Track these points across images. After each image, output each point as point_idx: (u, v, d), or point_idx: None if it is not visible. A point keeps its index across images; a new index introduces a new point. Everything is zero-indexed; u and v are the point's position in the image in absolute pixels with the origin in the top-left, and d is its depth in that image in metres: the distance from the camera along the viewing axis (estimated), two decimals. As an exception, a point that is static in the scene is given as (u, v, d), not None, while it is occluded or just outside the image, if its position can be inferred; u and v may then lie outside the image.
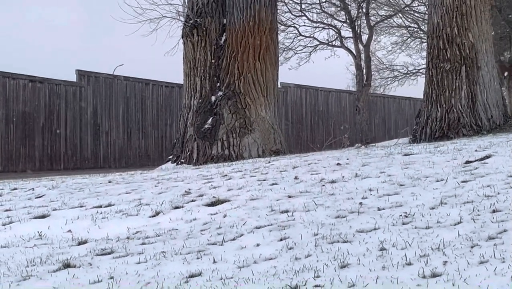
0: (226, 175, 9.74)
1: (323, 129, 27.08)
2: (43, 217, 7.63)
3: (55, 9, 65.25)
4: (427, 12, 21.74)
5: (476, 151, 9.46)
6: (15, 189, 10.44)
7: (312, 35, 28.16)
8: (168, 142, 22.20)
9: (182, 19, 16.98)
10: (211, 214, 7.02)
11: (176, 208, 7.49)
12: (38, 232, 6.88)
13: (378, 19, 28.36)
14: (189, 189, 8.55)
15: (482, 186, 6.81)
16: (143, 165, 19.63)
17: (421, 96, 16.67)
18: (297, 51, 28.28)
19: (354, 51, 26.98)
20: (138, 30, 17.85)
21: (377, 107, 29.58)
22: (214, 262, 5.27)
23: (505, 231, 5.17)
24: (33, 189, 10.12)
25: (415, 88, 32.33)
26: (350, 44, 27.58)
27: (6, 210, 8.30)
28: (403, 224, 5.77)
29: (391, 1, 27.93)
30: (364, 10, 27.04)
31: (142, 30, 18.45)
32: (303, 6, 27.38)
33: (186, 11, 16.77)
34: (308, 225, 6.07)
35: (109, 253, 5.88)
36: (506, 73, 28.02)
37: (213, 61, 16.25)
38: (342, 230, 5.79)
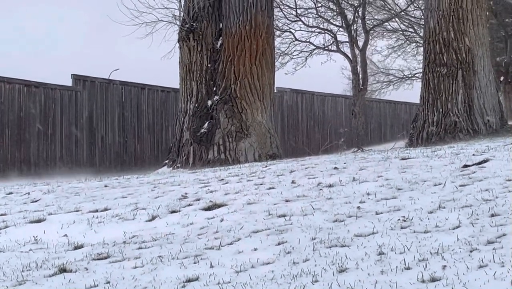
0: (223, 179, 9.71)
1: (319, 134, 27.06)
2: (39, 221, 7.60)
3: (53, 12, 65.16)
4: (423, 17, 21.76)
5: (473, 155, 9.45)
6: (10, 193, 10.39)
7: (308, 40, 28.15)
8: (164, 146, 22.13)
9: (178, 23, 16.96)
10: (208, 218, 6.99)
11: (173, 212, 7.46)
12: (33, 236, 6.84)
13: (375, 24, 28.36)
14: (186, 193, 8.52)
15: (480, 190, 6.79)
16: (139, 169, 19.57)
17: (417, 101, 16.67)
18: (293, 56, 28.26)
19: (350, 56, 26.96)
20: (134, 33, 17.84)
21: (373, 112, 29.56)
22: (211, 266, 5.25)
23: (504, 235, 5.15)
24: (28, 193, 10.08)
25: (411, 93, 32.36)
26: (346, 49, 27.58)
27: (2, 215, 8.25)
28: (402, 228, 5.75)
29: (387, 5, 27.94)
30: (360, 15, 27.03)
31: (138, 33, 18.43)
32: (299, 11, 27.37)
33: (182, 15, 16.75)
34: (306, 229, 6.04)
35: (106, 258, 5.85)
36: (502, 78, 28.06)
37: (209, 65, 16.23)
38: (340, 234, 5.76)
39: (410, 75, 33.06)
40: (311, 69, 28.90)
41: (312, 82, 30.14)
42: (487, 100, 15.22)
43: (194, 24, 16.28)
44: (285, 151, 20.24)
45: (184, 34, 16.38)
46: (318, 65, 29.25)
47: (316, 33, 28.20)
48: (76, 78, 21.20)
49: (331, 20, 27.93)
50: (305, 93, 27.37)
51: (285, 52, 27.96)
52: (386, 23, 29.06)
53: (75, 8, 63.83)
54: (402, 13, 28.10)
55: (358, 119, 25.64)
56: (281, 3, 26.57)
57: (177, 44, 16.85)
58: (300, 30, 27.83)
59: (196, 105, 16.08)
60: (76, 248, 6.36)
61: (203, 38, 16.29)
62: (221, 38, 16.33)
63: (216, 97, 15.92)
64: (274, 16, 20.34)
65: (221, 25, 16.43)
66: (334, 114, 28.06)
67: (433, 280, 4.39)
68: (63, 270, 5.50)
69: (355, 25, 27.21)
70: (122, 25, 17.26)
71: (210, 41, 16.34)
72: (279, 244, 5.69)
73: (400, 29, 29.76)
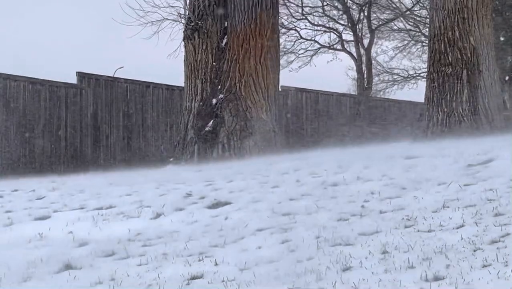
0: (227, 177, 9.71)
1: (323, 133, 27.04)
2: (44, 218, 7.63)
3: (56, 12, 65.23)
4: (428, 16, 21.74)
5: (478, 154, 9.43)
6: (16, 190, 10.41)
7: (313, 39, 28.19)
8: (169, 145, 22.15)
9: (184, 21, 16.96)
10: (213, 216, 7.01)
11: (178, 210, 7.48)
12: (39, 233, 6.87)
13: (380, 23, 28.36)
14: (191, 191, 8.53)
15: (484, 190, 6.79)
16: (143, 167, 19.60)
17: (422, 100, 16.65)
18: (299, 54, 28.32)
19: (355, 55, 27.00)
20: (140, 32, 17.85)
21: (377, 111, 29.50)
22: (216, 264, 5.27)
23: (507, 234, 5.17)
24: (34, 190, 10.09)
25: (416, 92, 32.30)
26: (352, 48, 27.63)
27: (7, 212, 8.27)
28: (406, 227, 5.76)
29: (393, 5, 27.93)
30: (365, 14, 27.05)
31: (143, 33, 18.44)
32: (305, 9, 27.41)
33: (187, 14, 16.75)
34: (310, 228, 6.06)
35: (110, 255, 5.88)
36: (507, 78, 28.00)
37: (214, 63, 16.23)
38: (344, 232, 5.77)
39: (415, 75, 33.00)
40: (316, 68, 28.94)
41: (317, 81, 30.13)
42: (492, 100, 15.19)
43: (199, 22, 16.29)
44: (290, 149, 20.23)
45: (189, 33, 16.38)
46: (323, 64, 29.28)
47: (322, 32, 28.26)
48: (81, 75, 21.22)
49: (337, 19, 27.97)
50: (310, 92, 27.33)
51: (291, 50, 28.03)
52: (392, 23, 29.05)
53: (80, 6, 63.91)
54: (408, 12, 28.09)
55: (362, 118, 25.66)
56: (287, 1, 26.61)
57: (182, 43, 16.86)
58: (305, 28, 27.92)
59: (200, 103, 16.08)
60: (81, 245, 6.38)
61: (208, 36, 16.29)
62: (226, 36, 16.32)
63: (221, 96, 15.93)
64: (280, 14, 20.34)
65: (226, 23, 16.42)
66: (339, 113, 28.02)
67: (437, 279, 4.41)
68: (68, 267, 5.53)
69: (360, 24, 27.27)
70: (129, 25, 17.26)
71: (215, 39, 16.34)
72: (283, 242, 5.71)
73: (405, 29, 29.73)
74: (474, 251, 4.90)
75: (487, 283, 4.23)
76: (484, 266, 4.55)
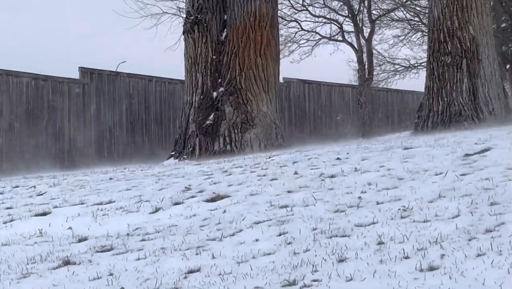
0: (226, 171, 9.76)
1: (326, 124, 27.06)
2: (44, 214, 7.67)
3: (56, 7, 65.18)
4: (428, 6, 21.72)
5: (475, 144, 9.44)
6: (16, 186, 10.46)
7: (314, 30, 28.20)
8: (172, 138, 22.17)
9: (183, 15, 17.00)
10: (211, 210, 7.05)
11: (176, 204, 7.52)
12: (38, 229, 6.91)
13: (380, 13, 28.35)
14: (189, 185, 8.57)
15: (480, 179, 6.81)
16: (146, 161, 19.64)
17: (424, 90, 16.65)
18: (300, 45, 28.34)
19: (356, 46, 26.99)
20: (139, 25, 17.89)
21: (380, 101, 29.49)
22: (213, 257, 5.31)
23: (503, 223, 5.20)
24: (34, 186, 10.14)
25: (417, 82, 32.27)
26: (352, 39, 27.61)
27: (7, 208, 8.33)
28: (402, 217, 5.80)
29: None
30: (365, 4, 27.03)
31: (143, 25, 18.52)
32: (305, 0, 27.42)
33: (187, 7, 16.79)
34: (307, 220, 6.10)
35: (109, 250, 5.92)
36: (508, 66, 27.96)
37: (214, 57, 16.26)
38: (340, 224, 5.81)
39: (416, 64, 32.98)
40: (318, 59, 28.96)
41: (319, 72, 30.14)
42: (492, 89, 15.19)
43: (198, 16, 16.31)
44: (292, 141, 20.27)
45: (189, 26, 16.41)
46: (325, 56, 29.29)
47: (322, 23, 28.25)
48: (84, 71, 21.25)
49: (337, 10, 27.96)
50: (312, 83, 27.34)
51: (293, 39, 28.05)
52: (392, 13, 29.04)
53: (80, 2, 63.79)
54: (408, 2, 28.06)
55: (364, 108, 25.67)
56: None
57: (182, 36, 16.89)
58: (306, 20, 27.91)
59: (201, 97, 16.12)
60: (80, 240, 6.43)
61: (207, 30, 16.31)
62: (225, 30, 16.35)
63: (221, 89, 15.96)
64: (280, 5, 20.35)
65: (225, 16, 16.44)
66: (341, 104, 28.03)
67: (431, 269, 4.45)
68: (67, 263, 5.57)
69: (361, 15, 27.24)
70: (128, 17, 17.32)
71: (215, 33, 16.36)
72: (280, 234, 5.75)
73: (405, 19, 29.72)
74: (469, 240, 4.93)
75: (481, 272, 4.26)
76: (479, 255, 4.58)
